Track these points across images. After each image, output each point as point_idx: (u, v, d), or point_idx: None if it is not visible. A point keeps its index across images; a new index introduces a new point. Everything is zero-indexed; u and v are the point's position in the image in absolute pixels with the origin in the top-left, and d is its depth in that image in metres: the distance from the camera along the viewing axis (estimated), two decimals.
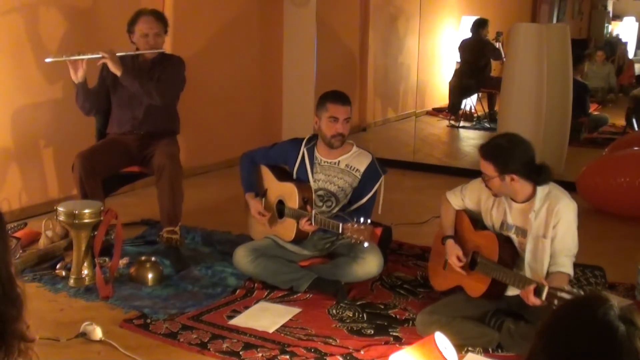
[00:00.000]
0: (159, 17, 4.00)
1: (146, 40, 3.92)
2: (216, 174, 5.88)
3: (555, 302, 2.57)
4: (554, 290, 2.62)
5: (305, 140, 3.66)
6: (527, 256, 2.96)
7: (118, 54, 3.84)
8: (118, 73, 3.81)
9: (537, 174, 2.93)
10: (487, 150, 2.98)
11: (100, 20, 4.86)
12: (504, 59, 6.68)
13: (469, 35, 7.86)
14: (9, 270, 1.37)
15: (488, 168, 2.94)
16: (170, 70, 3.99)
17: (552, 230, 2.90)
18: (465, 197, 3.23)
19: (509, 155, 2.92)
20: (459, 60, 8.02)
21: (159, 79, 3.93)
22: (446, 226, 3.25)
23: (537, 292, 2.68)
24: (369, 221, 3.14)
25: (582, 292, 2.73)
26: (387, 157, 5.82)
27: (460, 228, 3.22)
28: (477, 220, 3.19)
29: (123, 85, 3.87)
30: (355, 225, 3.12)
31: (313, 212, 3.37)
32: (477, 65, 7.73)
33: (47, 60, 3.85)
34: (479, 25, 7.64)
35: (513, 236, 3.03)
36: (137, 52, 3.94)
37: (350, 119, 3.52)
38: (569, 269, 2.92)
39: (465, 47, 7.81)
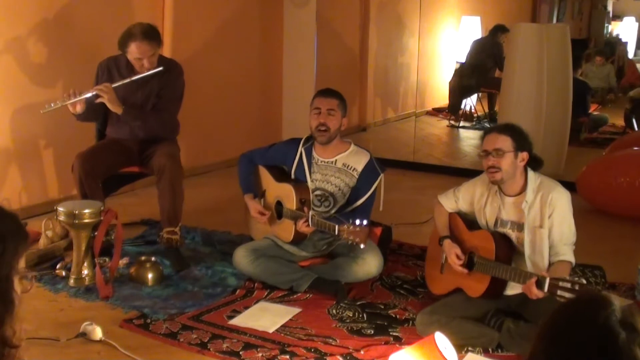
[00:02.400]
0: (150, 37, 3.79)
1: (140, 63, 3.79)
2: (216, 174, 5.88)
3: (558, 292, 2.58)
4: (555, 280, 2.63)
5: (303, 140, 3.67)
6: (527, 249, 2.97)
7: (114, 85, 3.74)
8: (118, 112, 3.76)
9: (534, 161, 3.03)
10: (503, 126, 3.07)
11: (98, 25, 4.85)
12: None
13: (468, 35, 7.86)
14: (10, 274, 1.37)
15: (504, 142, 2.96)
16: (170, 88, 3.91)
17: (548, 220, 2.93)
18: (458, 198, 3.24)
19: (523, 133, 3.03)
20: (459, 60, 8.01)
21: (158, 95, 3.89)
22: (441, 227, 3.26)
23: (539, 285, 2.69)
24: (364, 222, 3.13)
25: (583, 281, 2.72)
26: (387, 157, 5.82)
27: (455, 230, 3.22)
28: (470, 222, 3.20)
29: (120, 97, 3.79)
30: (351, 227, 3.11)
31: (310, 213, 3.37)
32: (483, 65, 7.71)
33: (44, 111, 3.73)
34: (499, 29, 7.59)
35: (509, 232, 3.03)
36: (134, 78, 3.80)
37: (334, 111, 3.53)
38: (570, 257, 2.94)
39: (476, 47, 7.77)
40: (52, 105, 3.70)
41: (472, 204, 3.18)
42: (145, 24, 3.87)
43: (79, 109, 3.74)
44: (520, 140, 2.99)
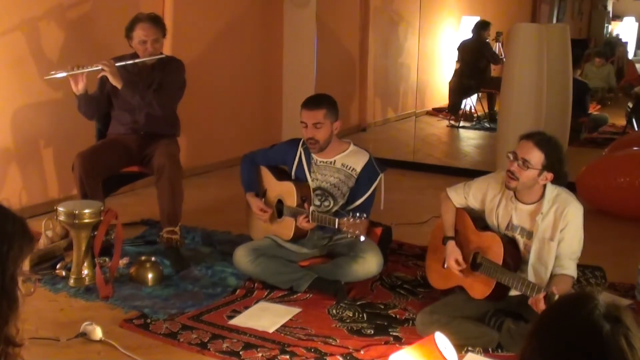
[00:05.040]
0: (156, 22, 3.94)
1: (144, 47, 3.88)
2: (216, 174, 5.88)
3: None
4: None
5: (302, 140, 3.66)
6: (532, 258, 2.95)
7: (117, 64, 3.82)
8: (119, 86, 3.80)
9: (559, 178, 2.94)
10: (541, 139, 2.91)
11: (100, 24, 4.86)
12: (503, 60, 6.68)
13: (469, 35, 7.86)
14: (15, 272, 1.39)
15: (536, 157, 2.87)
16: (170, 78, 3.97)
17: (559, 234, 2.90)
18: (469, 195, 3.20)
19: (559, 153, 2.92)
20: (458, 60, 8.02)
21: (160, 85, 3.93)
22: (447, 225, 3.22)
23: (547, 300, 2.67)
24: (364, 215, 3.15)
25: None
26: (387, 157, 5.83)
27: (461, 227, 3.20)
28: (478, 219, 3.17)
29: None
30: (351, 220, 3.13)
31: (310, 208, 3.38)
32: (477, 66, 7.73)
33: (47, 77, 3.84)
34: (481, 27, 7.63)
35: (518, 237, 3.02)
36: (136, 61, 3.89)
37: (321, 124, 3.46)
38: (573, 272, 2.93)
39: (465, 48, 7.81)
40: (57, 73, 3.77)
41: (483, 202, 3.15)
42: (152, 12, 4.02)
43: (81, 87, 3.79)
44: (552, 160, 2.88)
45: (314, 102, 3.53)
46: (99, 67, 3.78)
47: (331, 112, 3.51)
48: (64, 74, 3.75)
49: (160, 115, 3.94)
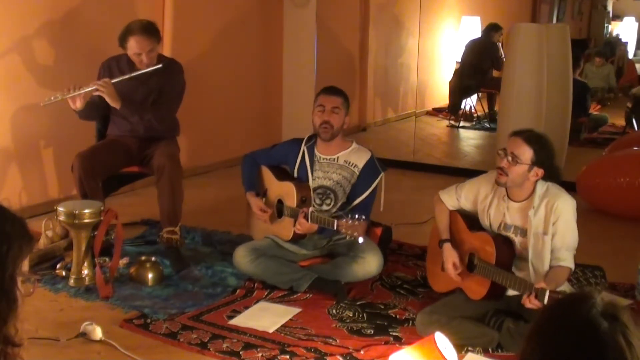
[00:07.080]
0: (149, 32, 3.84)
1: (140, 59, 3.83)
2: (216, 174, 5.88)
3: None
4: (555, 294, 2.63)
5: (305, 139, 3.69)
6: (530, 254, 2.96)
7: (114, 81, 3.77)
8: (117, 107, 3.78)
9: (550, 176, 2.97)
10: (530, 136, 2.95)
11: (100, 24, 4.85)
12: (504, 60, 6.67)
13: (468, 35, 7.86)
14: (14, 273, 1.39)
15: (525, 153, 2.90)
16: (170, 84, 3.94)
17: (552, 227, 2.91)
18: (460, 196, 3.21)
19: (548, 150, 2.95)
20: (458, 60, 8.01)
21: (159, 92, 3.92)
22: (442, 229, 3.23)
23: (539, 296, 2.68)
24: (363, 217, 3.15)
25: None
26: (387, 157, 5.82)
27: (455, 229, 3.21)
28: (471, 220, 3.18)
29: (122, 93, 3.81)
30: (350, 222, 3.13)
31: (310, 209, 3.38)
32: (481, 66, 7.70)
33: (44, 103, 3.75)
34: (492, 29, 7.59)
35: (512, 236, 3.03)
36: (133, 75, 3.82)
37: (339, 109, 3.57)
38: (569, 263, 2.93)
39: (472, 47, 7.76)
40: (53, 98, 3.73)
41: (475, 203, 3.17)
42: (145, 20, 3.92)
43: (79, 104, 3.76)
44: (542, 157, 2.91)
45: (334, 89, 3.68)
46: (95, 87, 3.72)
47: (347, 103, 3.65)
48: (60, 98, 3.70)
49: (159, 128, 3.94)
